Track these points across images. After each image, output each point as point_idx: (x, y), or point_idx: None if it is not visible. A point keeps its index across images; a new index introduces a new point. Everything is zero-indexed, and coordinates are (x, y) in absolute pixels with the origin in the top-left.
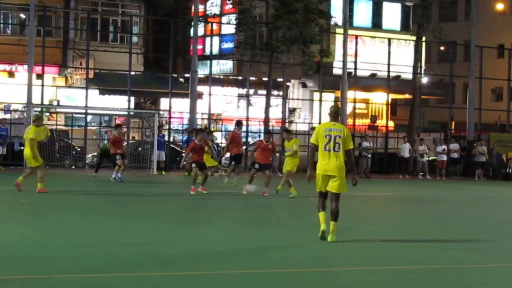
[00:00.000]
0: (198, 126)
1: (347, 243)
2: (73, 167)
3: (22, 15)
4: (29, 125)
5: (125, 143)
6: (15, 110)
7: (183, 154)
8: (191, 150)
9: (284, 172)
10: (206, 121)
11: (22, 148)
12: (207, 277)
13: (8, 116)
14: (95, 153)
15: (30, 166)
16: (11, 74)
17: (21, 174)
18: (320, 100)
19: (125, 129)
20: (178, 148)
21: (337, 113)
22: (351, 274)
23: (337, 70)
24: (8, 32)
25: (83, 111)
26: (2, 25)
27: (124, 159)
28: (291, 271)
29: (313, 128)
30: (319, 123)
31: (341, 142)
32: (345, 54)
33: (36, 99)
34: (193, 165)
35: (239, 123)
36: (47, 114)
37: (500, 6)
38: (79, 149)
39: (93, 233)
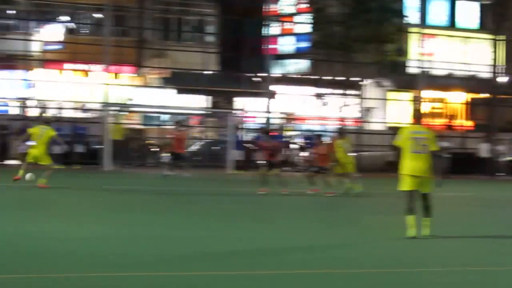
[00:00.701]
0: (272, 126)
1: (430, 242)
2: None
3: (98, 15)
4: (42, 126)
5: (193, 143)
6: (92, 110)
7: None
8: (262, 149)
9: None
10: (280, 120)
11: (100, 146)
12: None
13: (85, 115)
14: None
15: (43, 164)
16: (87, 74)
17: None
18: (395, 100)
19: (183, 128)
20: (253, 147)
21: (420, 116)
22: (433, 274)
23: (412, 69)
24: (85, 32)
25: (159, 110)
26: (78, 25)
27: (178, 159)
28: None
29: (390, 128)
30: (395, 122)
31: (428, 144)
32: (420, 53)
33: (112, 99)
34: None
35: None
36: (124, 113)
37: None
38: (155, 149)
39: (149, 229)
